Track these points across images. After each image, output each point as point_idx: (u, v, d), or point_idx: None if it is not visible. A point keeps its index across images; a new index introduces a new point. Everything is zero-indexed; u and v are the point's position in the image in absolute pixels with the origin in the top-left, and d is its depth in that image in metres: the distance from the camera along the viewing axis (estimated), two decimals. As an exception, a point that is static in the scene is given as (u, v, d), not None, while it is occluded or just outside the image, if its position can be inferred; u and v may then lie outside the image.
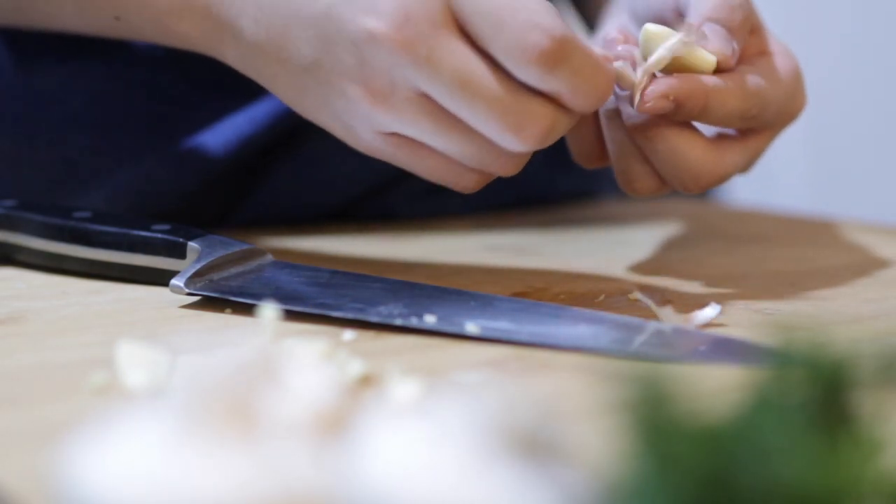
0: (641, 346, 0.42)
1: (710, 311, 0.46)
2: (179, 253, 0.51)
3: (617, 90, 0.52)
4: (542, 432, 0.25)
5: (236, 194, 0.67)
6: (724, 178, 0.54)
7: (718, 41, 0.51)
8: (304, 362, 0.29)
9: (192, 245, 0.50)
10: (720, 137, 0.55)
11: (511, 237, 0.67)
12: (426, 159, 0.49)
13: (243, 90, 0.63)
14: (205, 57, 0.55)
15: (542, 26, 0.44)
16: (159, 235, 0.51)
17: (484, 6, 0.44)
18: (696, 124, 0.53)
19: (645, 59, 0.51)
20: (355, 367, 0.38)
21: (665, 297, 0.50)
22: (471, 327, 0.43)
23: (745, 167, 0.56)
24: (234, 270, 0.50)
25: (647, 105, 0.50)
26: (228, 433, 0.26)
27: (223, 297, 0.47)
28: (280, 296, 0.46)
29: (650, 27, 0.51)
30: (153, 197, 0.64)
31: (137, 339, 0.40)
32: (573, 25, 0.85)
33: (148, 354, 0.38)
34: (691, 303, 0.48)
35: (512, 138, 0.46)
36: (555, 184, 0.77)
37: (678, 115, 0.51)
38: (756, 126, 0.54)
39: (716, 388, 0.34)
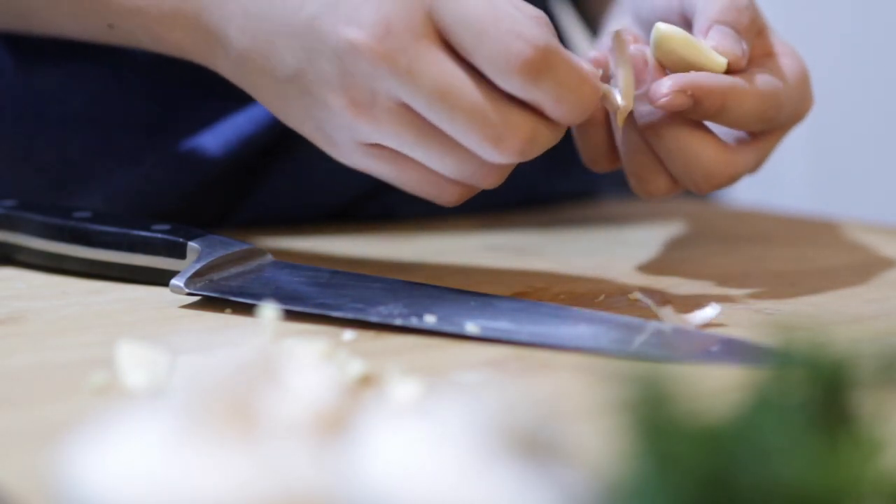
0: (641, 346, 0.42)
1: (710, 311, 0.46)
2: (179, 253, 0.51)
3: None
4: (542, 432, 0.25)
5: (236, 194, 0.67)
6: (735, 177, 0.53)
7: (728, 42, 0.51)
8: (304, 362, 0.29)
9: (192, 245, 0.50)
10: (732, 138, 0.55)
11: (511, 237, 0.67)
12: (407, 171, 0.48)
13: (243, 91, 0.63)
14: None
15: (525, 36, 0.44)
16: (159, 235, 0.51)
17: (466, 16, 0.44)
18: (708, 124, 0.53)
19: (656, 58, 0.51)
20: (355, 367, 0.38)
21: (665, 297, 0.50)
22: (471, 327, 0.43)
23: (755, 167, 0.56)
24: (234, 270, 0.50)
25: (664, 100, 0.49)
26: (228, 433, 0.26)
27: (223, 297, 0.47)
28: (280, 296, 0.46)
29: (662, 27, 0.51)
30: (153, 197, 0.64)
31: (137, 339, 0.40)
32: (573, 26, 0.85)
33: (148, 354, 0.38)
34: (691, 303, 0.48)
35: (492, 149, 0.45)
36: (555, 184, 0.77)
37: (695, 114, 0.50)
38: (769, 127, 0.54)
39: (716, 388, 0.34)
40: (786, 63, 0.54)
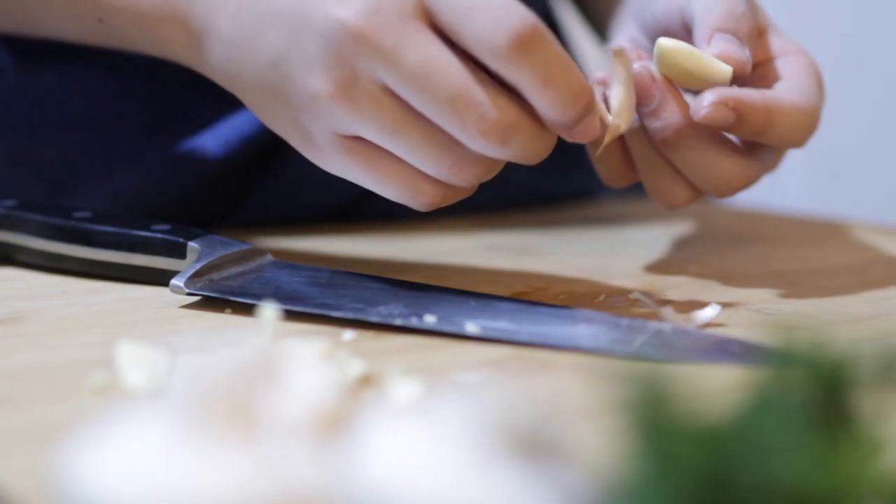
0: (641, 346, 0.42)
1: (710, 311, 0.46)
2: (179, 253, 0.51)
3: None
4: (542, 432, 0.25)
5: (236, 194, 0.67)
6: (754, 180, 0.53)
7: (731, 50, 0.51)
8: (304, 362, 0.29)
9: (192, 245, 0.50)
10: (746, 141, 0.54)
11: (511, 237, 0.67)
12: (383, 168, 0.47)
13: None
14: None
15: (515, 11, 0.43)
16: (159, 235, 0.51)
17: None
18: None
19: (661, 72, 0.51)
20: (355, 367, 0.38)
21: (665, 298, 0.50)
22: (471, 327, 0.43)
23: (772, 167, 0.56)
24: (234, 270, 0.50)
25: (704, 111, 0.49)
26: (228, 433, 0.26)
27: (223, 297, 0.47)
28: (280, 296, 0.46)
29: (664, 42, 0.51)
30: (153, 197, 0.64)
31: (137, 339, 0.40)
32: (578, 32, 0.85)
33: (148, 354, 0.38)
34: (691, 303, 0.48)
35: (474, 130, 0.44)
36: (555, 184, 0.77)
37: (738, 131, 0.50)
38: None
39: (716, 388, 0.34)
40: (799, 63, 0.54)
